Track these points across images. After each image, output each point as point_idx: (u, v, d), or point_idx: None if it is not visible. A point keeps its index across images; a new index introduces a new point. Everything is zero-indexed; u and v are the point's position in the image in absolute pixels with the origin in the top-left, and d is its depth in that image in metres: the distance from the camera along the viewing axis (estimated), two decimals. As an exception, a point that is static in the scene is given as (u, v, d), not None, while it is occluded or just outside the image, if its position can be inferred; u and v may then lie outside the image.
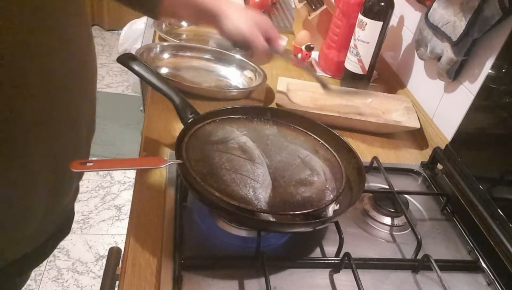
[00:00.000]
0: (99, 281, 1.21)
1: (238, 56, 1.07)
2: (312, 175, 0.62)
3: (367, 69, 1.03)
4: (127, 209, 1.90)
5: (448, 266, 0.63)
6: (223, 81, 1.04)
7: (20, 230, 0.57)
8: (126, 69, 0.72)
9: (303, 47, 1.11)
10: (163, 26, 1.20)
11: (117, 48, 2.25)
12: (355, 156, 0.68)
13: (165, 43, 1.08)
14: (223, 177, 0.58)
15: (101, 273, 1.56)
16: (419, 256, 0.62)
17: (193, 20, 1.10)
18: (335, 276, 0.59)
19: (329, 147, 0.69)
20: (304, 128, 0.72)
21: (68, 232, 0.74)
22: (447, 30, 0.84)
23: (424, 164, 0.84)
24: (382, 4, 0.96)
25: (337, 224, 0.61)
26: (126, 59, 0.72)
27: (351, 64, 1.04)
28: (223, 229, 0.62)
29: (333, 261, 0.60)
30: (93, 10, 3.23)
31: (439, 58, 0.88)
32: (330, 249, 0.62)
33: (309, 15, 1.20)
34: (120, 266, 0.66)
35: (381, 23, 0.97)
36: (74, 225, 0.76)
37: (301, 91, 0.98)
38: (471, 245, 0.68)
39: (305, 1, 1.20)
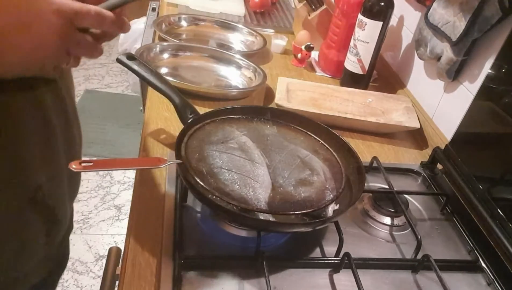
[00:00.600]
0: (99, 281, 1.21)
1: (238, 56, 1.07)
2: (312, 175, 0.62)
3: (367, 69, 1.04)
4: (127, 209, 1.90)
5: (448, 266, 0.63)
6: (223, 81, 1.04)
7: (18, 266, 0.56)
8: (126, 69, 0.72)
9: (303, 47, 1.11)
10: (163, 26, 1.20)
11: (117, 48, 2.24)
12: (354, 156, 0.68)
13: (165, 43, 1.08)
14: (223, 177, 0.58)
15: (101, 273, 1.56)
16: (419, 256, 0.62)
17: None
18: (335, 276, 0.59)
19: (328, 147, 0.69)
20: (304, 128, 0.72)
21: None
22: (447, 30, 0.84)
23: (423, 164, 0.84)
24: (382, 4, 0.96)
25: (337, 224, 0.61)
26: (126, 59, 0.71)
27: (351, 64, 1.04)
28: (223, 229, 0.62)
29: (333, 261, 0.60)
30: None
31: (439, 58, 0.88)
32: (330, 249, 0.62)
33: (309, 15, 1.20)
34: (120, 266, 0.66)
35: (381, 23, 0.97)
36: (74, 225, 0.76)
37: (301, 91, 0.98)
38: (471, 245, 0.68)
39: (305, 1, 1.20)
